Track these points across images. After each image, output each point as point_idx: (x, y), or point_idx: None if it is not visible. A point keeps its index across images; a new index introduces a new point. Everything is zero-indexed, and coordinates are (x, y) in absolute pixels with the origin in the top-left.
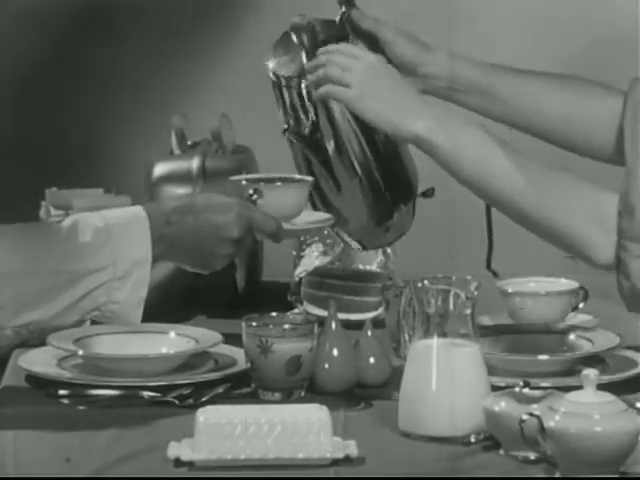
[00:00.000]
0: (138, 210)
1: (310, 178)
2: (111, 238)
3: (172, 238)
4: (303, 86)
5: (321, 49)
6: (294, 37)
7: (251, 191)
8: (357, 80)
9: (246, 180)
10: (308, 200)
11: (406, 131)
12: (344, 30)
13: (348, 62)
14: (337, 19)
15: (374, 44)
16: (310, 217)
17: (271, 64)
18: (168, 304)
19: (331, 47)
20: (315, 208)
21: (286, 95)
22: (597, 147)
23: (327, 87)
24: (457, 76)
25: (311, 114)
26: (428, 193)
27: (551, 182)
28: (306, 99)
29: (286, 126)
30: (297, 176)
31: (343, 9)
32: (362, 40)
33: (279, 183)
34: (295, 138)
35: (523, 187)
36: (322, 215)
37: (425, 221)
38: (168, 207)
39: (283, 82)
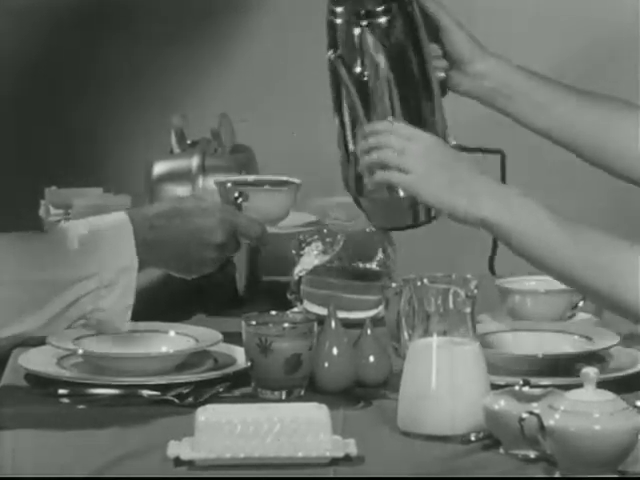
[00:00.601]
0: (121, 216)
1: (298, 181)
2: (97, 246)
3: (156, 243)
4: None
5: (370, 129)
6: None
7: (236, 194)
8: (415, 164)
9: (232, 183)
10: (295, 202)
11: (472, 216)
12: None
13: (402, 144)
14: None
15: (433, 28)
16: (298, 220)
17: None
18: (167, 303)
19: (380, 126)
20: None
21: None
22: (630, 168)
23: (384, 174)
24: (505, 80)
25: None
26: None
27: (610, 253)
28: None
29: (332, 52)
30: (284, 178)
31: None
32: (423, 21)
33: (266, 186)
34: (341, 64)
35: (585, 262)
36: (309, 217)
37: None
38: (151, 212)
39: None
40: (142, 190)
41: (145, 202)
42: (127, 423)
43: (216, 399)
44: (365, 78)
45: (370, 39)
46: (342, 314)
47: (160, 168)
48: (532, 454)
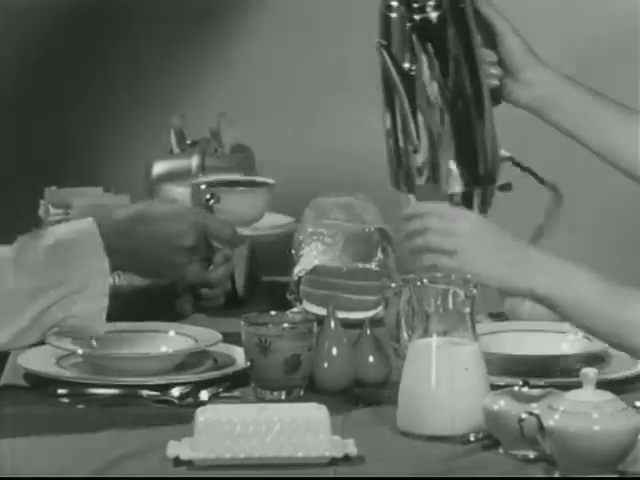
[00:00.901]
0: (88, 222)
1: (272, 181)
2: (63, 254)
3: (125, 248)
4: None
5: (412, 211)
6: None
7: (208, 196)
8: (462, 246)
9: (206, 183)
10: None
11: (521, 290)
12: None
13: (448, 227)
14: None
15: (488, 32)
16: (273, 221)
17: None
18: (167, 303)
19: (423, 208)
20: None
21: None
22: None
23: (431, 258)
24: (555, 90)
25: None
26: (506, 187)
27: None
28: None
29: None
30: (259, 179)
31: None
32: (477, 24)
33: (241, 187)
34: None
35: (630, 327)
36: (286, 219)
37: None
38: (119, 217)
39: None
40: (142, 190)
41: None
42: (126, 423)
43: (216, 399)
44: (412, 73)
45: (418, 34)
46: (341, 314)
47: (160, 168)
48: (531, 454)
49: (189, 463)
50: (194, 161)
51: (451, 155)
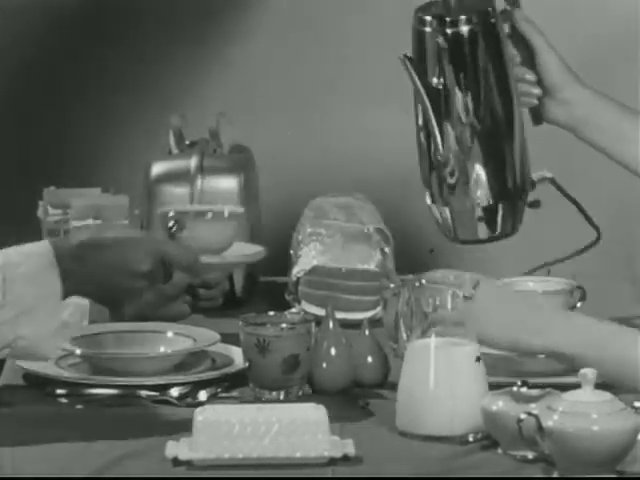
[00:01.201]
0: (43, 244)
1: (241, 210)
2: (12, 275)
3: (81, 273)
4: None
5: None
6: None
7: (171, 223)
8: (471, 313)
9: (175, 211)
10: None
11: (535, 349)
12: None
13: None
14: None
15: (526, 50)
16: (242, 250)
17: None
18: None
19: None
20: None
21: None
22: None
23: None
24: (594, 109)
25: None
26: (535, 204)
27: None
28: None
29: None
30: (229, 208)
31: (507, 7)
32: (515, 41)
33: (209, 215)
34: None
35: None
36: (255, 248)
37: (425, 219)
38: (76, 241)
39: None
40: (140, 190)
41: (144, 202)
42: (125, 423)
43: (214, 399)
44: (440, 86)
45: (449, 47)
46: (340, 315)
47: (158, 168)
48: (530, 455)
49: (188, 463)
50: (193, 162)
51: (479, 168)
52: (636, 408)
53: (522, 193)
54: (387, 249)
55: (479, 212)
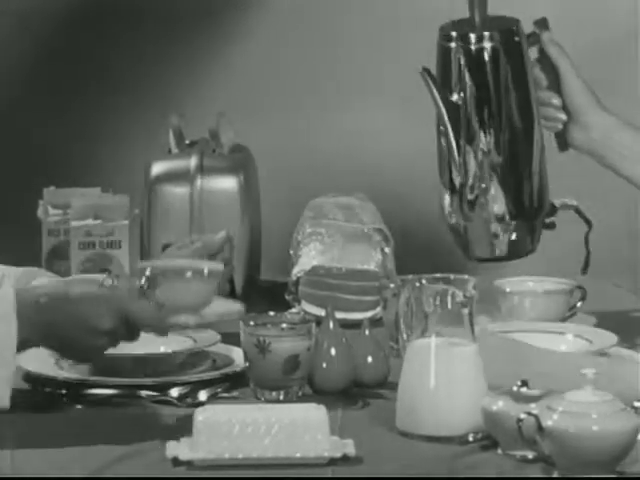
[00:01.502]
0: (6, 290)
1: (221, 267)
2: None
3: (42, 324)
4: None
5: None
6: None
7: (142, 281)
8: None
9: (152, 267)
10: (219, 289)
11: None
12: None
13: None
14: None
15: (553, 72)
16: (223, 308)
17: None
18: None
19: None
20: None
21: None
22: None
23: None
24: (617, 136)
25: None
26: (550, 225)
27: None
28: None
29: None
30: (210, 266)
31: (535, 30)
32: (542, 65)
33: (189, 273)
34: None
35: None
36: (236, 305)
37: (425, 220)
38: (40, 292)
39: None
40: (141, 190)
41: (144, 202)
42: (125, 423)
43: (214, 399)
44: (459, 102)
45: (472, 64)
46: (340, 315)
47: (158, 168)
48: (530, 455)
49: (188, 463)
50: (193, 161)
51: (497, 186)
52: (636, 408)
53: (539, 214)
54: (387, 249)
55: (495, 230)
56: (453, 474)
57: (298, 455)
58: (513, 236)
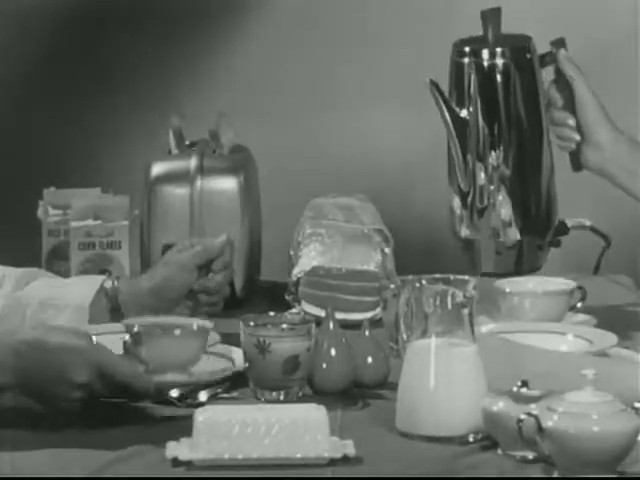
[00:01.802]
0: None
1: (210, 325)
2: None
3: (17, 369)
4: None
5: None
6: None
7: (127, 337)
8: None
9: (139, 325)
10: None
11: None
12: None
13: None
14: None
15: (568, 91)
16: (212, 365)
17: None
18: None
19: None
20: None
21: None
22: None
23: None
24: (625, 155)
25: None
26: (555, 243)
27: None
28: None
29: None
30: (199, 323)
31: (552, 50)
32: (558, 86)
33: (177, 331)
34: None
35: None
36: (225, 363)
37: (423, 221)
38: (20, 337)
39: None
40: (141, 191)
41: (144, 203)
42: (125, 423)
43: (214, 400)
44: (468, 117)
45: (484, 79)
46: (340, 315)
47: (158, 169)
48: (530, 455)
49: (188, 464)
50: (193, 162)
51: (503, 202)
52: (636, 409)
53: (547, 231)
54: (387, 249)
55: (502, 245)
56: (453, 474)
57: (298, 455)
58: (520, 252)
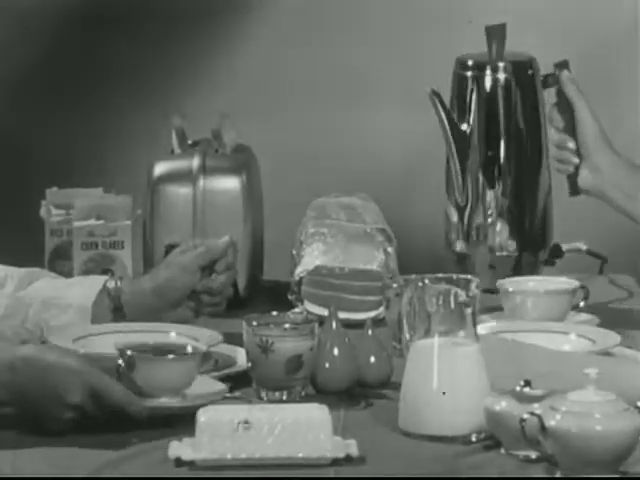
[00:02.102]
0: None
1: (203, 347)
2: None
3: (11, 384)
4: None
5: None
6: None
7: (119, 361)
8: None
9: (133, 349)
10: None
11: None
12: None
13: None
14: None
15: (569, 112)
16: (204, 388)
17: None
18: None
19: None
20: None
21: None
22: None
23: None
24: (623, 177)
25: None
26: (549, 262)
27: None
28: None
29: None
30: (192, 346)
31: (555, 71)
32: (559, 104)
33: (171, 355)
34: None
35: None
36: (218, 386)
37: (426, 220)
38: (18, 353)
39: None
40: (143, 190)
41: (147, 202)
42: (128, 423)
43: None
44: (468, 131)
45: (485, 93)
46: (343, 315)
47: (161, 168)
48: (533, 455)
49: (190, 463)
50: (195, 162)
51: (498, 217)
52: (639, 408)
53: (541, 249)
54: (390, 249)
55: (496, 262)
56: (456, 474)
57: (301, 455)
58: (514, 269)
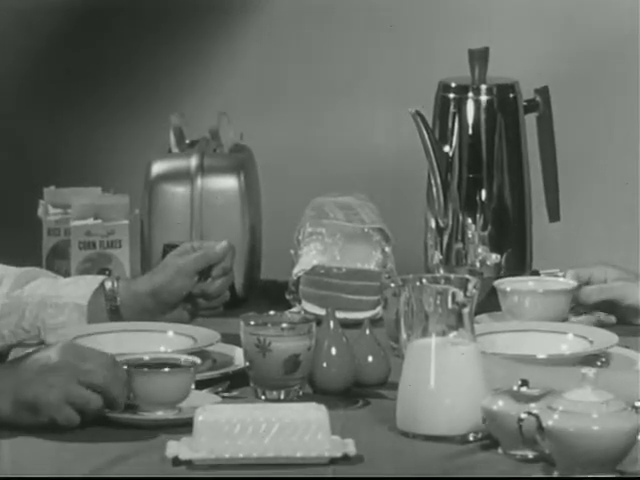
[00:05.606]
0: None
1: (198, 361)
2: None
3: (7, 386)
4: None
5: None
6: None
7: None
8: None
9: (128, 363)
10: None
11: None
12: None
13: None
14: None
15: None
16: (198, 401)
17: None
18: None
19: None
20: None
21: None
22: None
23: None
24: (620, 291)
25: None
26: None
27: None
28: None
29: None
30: (185, 358)
31: (536, 97)
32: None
33: (166, 369)
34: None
35: None
36: (213, 398)
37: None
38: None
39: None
40: (141, 190)
41: (144, 202)
42: (126, 422)
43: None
44: (450, 153)
45: (467, 113)
46: (341, 314)
47: (158, 168)
48: (530, 454)
49: (188, 463)
50: (193, 161)
51: (477, 238)
52: (636, 408)
53: (521, 273)
54: (388, 248)
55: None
56: (453, 474)
57: (299, 455)
58: (491, 292)
